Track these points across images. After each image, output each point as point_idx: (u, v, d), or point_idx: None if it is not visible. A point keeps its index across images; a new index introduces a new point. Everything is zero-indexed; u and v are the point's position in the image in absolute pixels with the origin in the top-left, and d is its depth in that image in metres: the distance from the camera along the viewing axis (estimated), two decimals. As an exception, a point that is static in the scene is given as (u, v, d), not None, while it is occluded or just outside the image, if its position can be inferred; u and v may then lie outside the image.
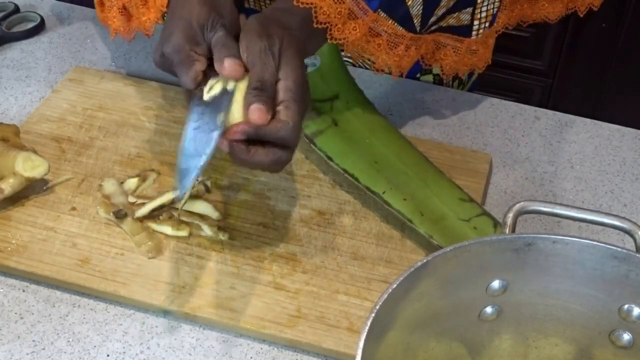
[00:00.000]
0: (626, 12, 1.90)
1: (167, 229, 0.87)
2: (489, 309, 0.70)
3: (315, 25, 0.81)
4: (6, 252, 0.85)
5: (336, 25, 0.81)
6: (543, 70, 2.06)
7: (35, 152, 0.90)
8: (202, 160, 0.73)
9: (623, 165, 1.00)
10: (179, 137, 0.97)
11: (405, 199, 0.89)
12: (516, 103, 1.09)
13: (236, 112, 0.75)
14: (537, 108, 1.08)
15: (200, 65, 0.78)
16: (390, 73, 0.89)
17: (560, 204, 0.71)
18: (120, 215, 0.88)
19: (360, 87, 1.01)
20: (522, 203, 0.71)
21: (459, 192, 0.90)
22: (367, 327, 0.59)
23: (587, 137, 1.04)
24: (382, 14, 0.84)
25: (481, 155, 0.98)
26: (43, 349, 0.78)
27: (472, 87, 1.17)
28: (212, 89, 0.77)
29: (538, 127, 1.05)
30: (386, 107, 1.05)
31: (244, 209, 0.90)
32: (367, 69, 1.11)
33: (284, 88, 0.75)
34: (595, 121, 1.06)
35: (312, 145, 0.94)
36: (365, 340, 0.59)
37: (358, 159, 0.93)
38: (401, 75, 0.90)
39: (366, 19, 0.83)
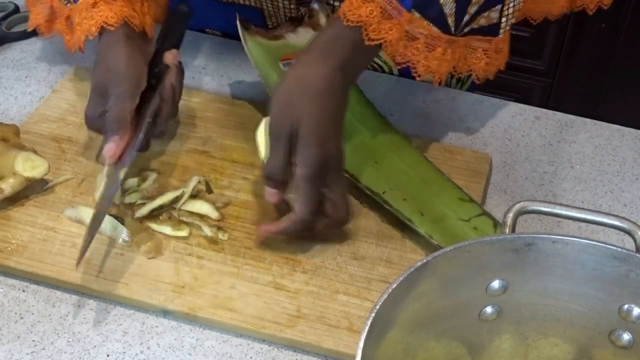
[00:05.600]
0: (626, 12, 1.90)
1: (167, 229, 0.87)
2: (489, 309, 0.70)
3: (345, 24, 0.81)
4: (6, 252, 0.85)
5: (371, 25, 0.81)
6: (543, 70, 2.06)
7: (35, 152, 0.90)
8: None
9: (623, 165, 1.00)
10: (179, 137, 0.98)
11: (405, 199, 0.88)
12: (516, 103, 1.09)
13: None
14: (537, 108, 1.08)
15: (125, 142, 0.87)
16: (431, 81, 0.89)
17: (560, 204, 0.71)
18: (119, 216, 0.88)
19: (360, 87, 1.01)
20: (522, 203, 0.71)
21: (459, 192, 0.90)
22: (367, 327, 0.59)
23: (587, 137, 1.04)
24: (417, 14, 0.83)
25: (481, 155, 0.98)
26: (43, 349, 0.78)
27: (472, 87, 1.17)
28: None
29: (538, 127, 1.05)
30: (386, 107, 1.05)
31: (244, 209, 0.90)
32: (367, 69, 1.11)
33: (297, 174, 0.81)
34: (595, 121, 1.06)
35: (312, 145, 0.94)
36: (365, 340, 0.59)
37: (358, 159, 0.93)
38: (440, 83, 0.88)
39: (401, 20, 0.82)
